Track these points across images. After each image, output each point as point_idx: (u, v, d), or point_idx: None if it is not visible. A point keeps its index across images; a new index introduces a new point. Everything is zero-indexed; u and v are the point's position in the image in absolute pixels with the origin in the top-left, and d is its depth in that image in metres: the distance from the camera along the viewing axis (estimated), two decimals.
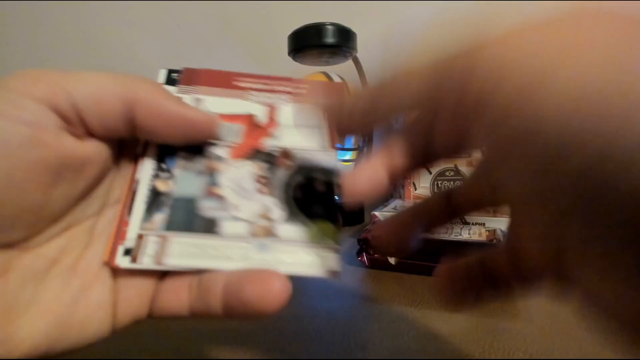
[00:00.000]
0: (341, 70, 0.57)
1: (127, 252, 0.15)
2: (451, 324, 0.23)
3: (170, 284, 0.16)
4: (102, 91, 0.14)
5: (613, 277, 0.09)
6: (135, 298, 0.15)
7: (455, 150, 0.15)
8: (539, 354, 0.20)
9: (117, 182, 0.17)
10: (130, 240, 0.16)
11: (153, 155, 0.18)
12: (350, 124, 0.16)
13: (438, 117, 0.13)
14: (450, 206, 0.18)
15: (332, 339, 0.22)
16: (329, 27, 0.49)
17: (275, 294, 0.14)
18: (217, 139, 0.18)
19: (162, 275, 0.16)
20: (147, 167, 0.17)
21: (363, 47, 0.55)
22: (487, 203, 0.16)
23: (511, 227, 0.14)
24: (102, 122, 0.15)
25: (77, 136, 0.15)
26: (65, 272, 0.14)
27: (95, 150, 0.15)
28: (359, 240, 0.35)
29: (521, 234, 0.13)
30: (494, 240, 0.31)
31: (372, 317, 0.25)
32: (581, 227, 0.10)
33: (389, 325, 0.24)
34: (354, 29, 0.50)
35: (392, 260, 0.34)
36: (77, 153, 0.14)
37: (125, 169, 0.18)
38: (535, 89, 0.10)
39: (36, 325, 0.13)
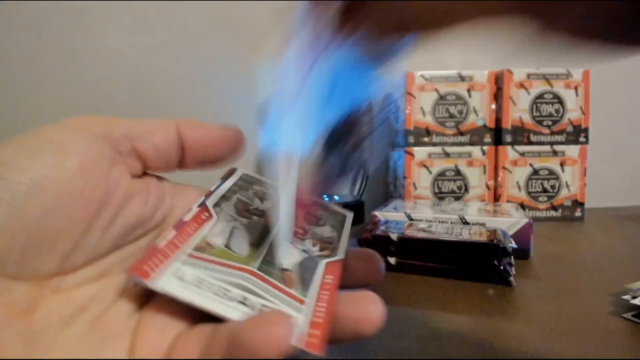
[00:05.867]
0: None
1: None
2: (451, 324, 0.23)
3: (185, 339, 0.14)
4: (152, 122, 0.17)
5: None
6: (149, 353, 0.14)
7: None
8: (539, 354, 0.20)
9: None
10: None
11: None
12: None
13: None
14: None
15: None
16: None
17: (276, 338, 0.12)
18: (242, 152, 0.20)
19: (186, 326, 0.15)
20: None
21: None
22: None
23: None
24: (156, 149, 0.17)
25: (129, 170, 0.16)
26: (90, 322, 0.14)
27: (140, 189, 0.16)
28: (359, 241, 0.35)
29: None
30: (494, 240, 0.31)
31: None
32: None
33: (389, 325, 0.23)
34: None
35: (392, 260, 0.34)
36: (122, 187, 0.15)
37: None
38: None
39: None
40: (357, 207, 0.56)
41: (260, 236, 0.19)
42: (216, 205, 0.19)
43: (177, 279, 0.15)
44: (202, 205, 0.18)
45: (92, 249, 0.15)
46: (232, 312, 0.14)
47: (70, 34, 0.68)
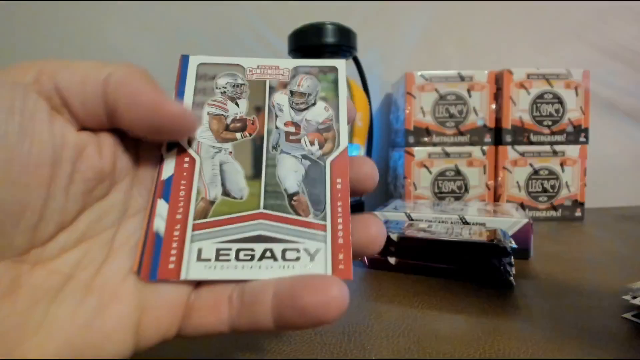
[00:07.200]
0: None
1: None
2: (451, 324, 0.23)
3: (206, 297, 0.14)
4: (84, 75, 0.14)
5: None
6: (164, 317, 0.14)
7: None
8: (539, 354, 0.20)
9: (136, 192, 0.16)
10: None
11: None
12: None
13: None
14: None
15: (332, 339, 0.22)
16: (329, 27, 0.49)
17: (336, 301, 0.13)
18: (193, 137, 0.16)
19: (195, 287, 0.15)
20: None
21: (363, 47, 0.55)
22: None
23: None
24: (84, 106, 0.14)
25: (71, 124, 0.14)
26: (81, 290, 0.13)
27: (89, 141, 0.15)
28: None
29: None
30: (494, 240, 0.31)
31: (372, 317, 0.25)
32: None
33: (389, 325, 0.23)
34: (354, 29, 0.50)
35: (392, 260, 0.34)
36: (70, 141, 0.14)
37: (146, 177, 0.16)
38: None
39: (46, 348, 0.12)
40: (357, 207, 0.56)
41: (254, 161, 0.16)
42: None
43: (199, 262, 0.14)
44: (174, 149, 0.16)
45: (60, 213, 0.14)
46: (263, 272, 0.14)
47: (72, 33, 0.68)
